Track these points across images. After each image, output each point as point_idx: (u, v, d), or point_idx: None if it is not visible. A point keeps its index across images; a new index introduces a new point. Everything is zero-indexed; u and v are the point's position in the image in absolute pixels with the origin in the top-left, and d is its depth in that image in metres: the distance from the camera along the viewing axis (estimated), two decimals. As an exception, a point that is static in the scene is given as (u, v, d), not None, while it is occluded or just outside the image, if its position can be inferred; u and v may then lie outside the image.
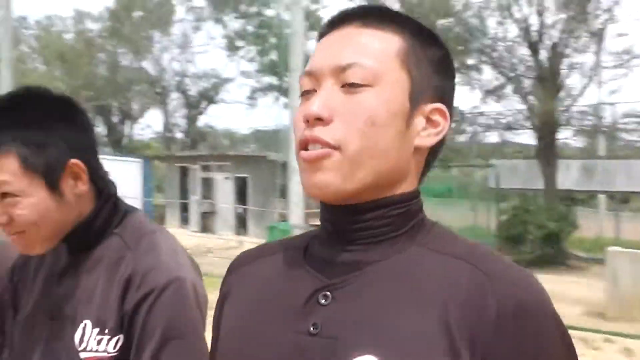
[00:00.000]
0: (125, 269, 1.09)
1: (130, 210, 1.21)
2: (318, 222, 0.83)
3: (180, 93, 28.59)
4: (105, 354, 1.05)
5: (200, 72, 28.12)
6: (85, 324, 1.07)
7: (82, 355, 1.05)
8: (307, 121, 0.74)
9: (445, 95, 0.82)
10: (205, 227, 18.30)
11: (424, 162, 0.82)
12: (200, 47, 27.97)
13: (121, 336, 1.06)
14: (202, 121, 30.13)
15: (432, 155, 0.83)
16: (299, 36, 10.05)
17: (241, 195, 17.71)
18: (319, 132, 0.74)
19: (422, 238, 0.78)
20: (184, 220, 17.66)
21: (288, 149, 10.00)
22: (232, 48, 26.08)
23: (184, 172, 19.90)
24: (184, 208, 19.27)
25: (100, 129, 30.43)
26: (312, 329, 0.74)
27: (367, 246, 0.78)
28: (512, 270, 0.74)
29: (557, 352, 0.74)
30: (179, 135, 29.90)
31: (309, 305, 0.76)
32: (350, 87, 0.75)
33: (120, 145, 29.27)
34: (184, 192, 19.82)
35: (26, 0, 36.53)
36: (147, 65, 28.03)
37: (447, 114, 0.80)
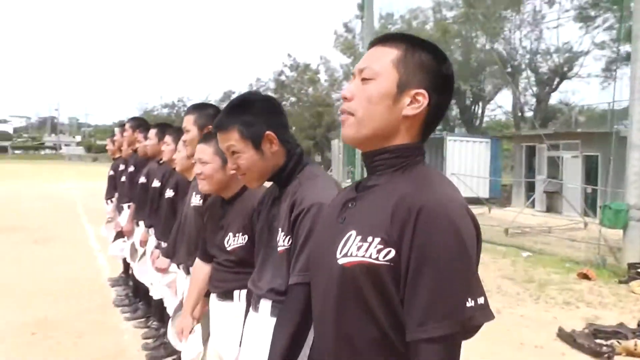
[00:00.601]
0: (295, 197, 1.89)
1: (308, 162, 2.05)
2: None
3: (530, 71, 28.21)
4: (283, 247, 1.89)
5: (552, 48, 27.24)
6: (279, 230, 1.94)
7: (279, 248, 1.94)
8: (344, 98, 1.36)
9: (430, 84, 1.32)
10: (551, 207, 18.13)
11: (418, 126, 1.34)
12: (552, 22, 26.86)
13: (290, 236, 1.87)
14: (553, 98, 29.21)
15: (428, 121, 1.35)
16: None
17: (590, 175, 17.03)
18: (346, 105, 1.35)
19: (408, 174, 1.31)
20: (530, 200, 17.80)
21: (632, 124, 9.55)
22: (585, 19, 24.63)
23: (531, 151, 19.91)
24: (530, 187, 19.37)
25: (453, 112, 32.18)
26: (341, 220, 1.35)
27: (377, 176, 1.35)
28: (430, 193, 1.22)
29: (444, 241, 1.16)
30: (528, 114, 29.58)
31: (344, 208, 1.38)
32: (363, 80, 1.34)
33: (473, 126, 30.44)
34: (530, 172, 19.90)
35: (391, -3, 40.16)
36: (499, 46, 28.32)
37: (427, 95, 1.30)
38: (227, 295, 2.51)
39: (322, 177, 1.99)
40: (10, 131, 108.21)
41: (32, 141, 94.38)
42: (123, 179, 6.01)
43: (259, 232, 2.10)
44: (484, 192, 19.89)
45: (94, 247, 9.39)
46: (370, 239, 1.23)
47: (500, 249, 10.37)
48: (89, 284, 6.86)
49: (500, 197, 20.56)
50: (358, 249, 1.24)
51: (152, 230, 4.55)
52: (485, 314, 1.19)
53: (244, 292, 2.33)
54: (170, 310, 3.70)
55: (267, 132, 1.99)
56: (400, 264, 1.20)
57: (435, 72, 1.34)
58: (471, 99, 31.32)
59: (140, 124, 5.86)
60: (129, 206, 5.71)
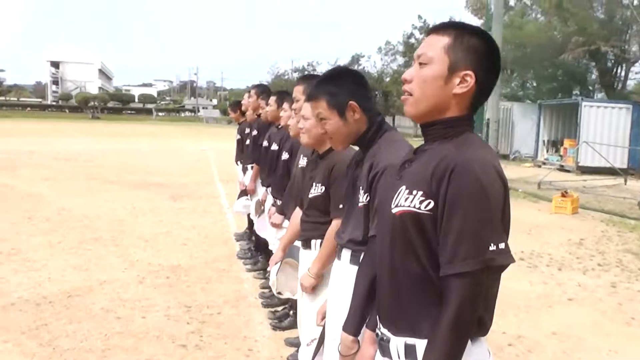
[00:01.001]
0: (373, 159, 2.12)
1: (389, 129, 2.27)
2: None
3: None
4: (362, 203, 2.14)
5: None
6: (360, 188, 2.18)
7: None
8: (404, 80, 1.59)
9: (478, 65, 1.51)
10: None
11: (466, 101, 1.54)
12: None
13: (368, 193, 2.10)
14: None
15: (476, 98, 1.54)
16: None
17: None
18: (406, 86, 1.58)
19: (454, 140, 1.51)
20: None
21: None
22: None
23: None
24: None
25: (593, 75, 30.16)
26: (398, 177, 1.59)
27: (430, 143, 1.57)
28: (465, 154, 1.43)
29: (470, 194, 1.38)
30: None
31: (402, 168, 1.61)
32: (420, 65, 1.56)
33: (613, 90, 28.35)
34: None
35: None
36: (648, 2, 25.96)
37: (474, 76, 1.50)
38: (307, 243, 2.84)
39: (399, 142, 2.21)
40: (155, 94, 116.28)
41: (173, 104, 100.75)
42: (248, 142, 6.49)
43: (346, 191, 2.35)
44: (621, 162, 18.66)
45: (224, 204, 10.14)
46: (415, 192, 1.49)
47: (629, 222, 9.84)
48: (217, 237, 7.52)
49: (638, 166, 19.14)
50: (405, 200, 1.50)
51: (270, 189, 4.94)
52: (506, 257, 1.41)
53: (319, 241, 2.65)
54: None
55: (351, 102, 2.24)
56: (437, 212, 1.44)
57: (481, 54, 1.53)
58: (613, 61, 29.12)
59: (263, 90, 6.27)
60: (252, 167, 6.18)
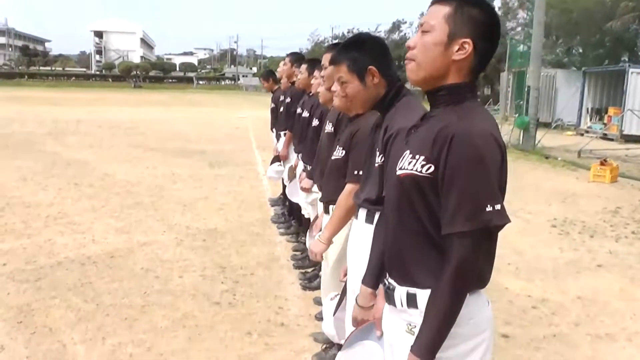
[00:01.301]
0: (389, 121, 2.21)
1: (407, 94, 2.36)
2: None
3: None
4: (377, 164, 2.25)
5: None
6: (377, 150, 2.30)
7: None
8: (408, 47, 1.68)
9: (476, 34, 1.60)
10: None
11: (467, 68, 1.63)
12: None
13: (383, 154, 2.17)
14: None
15: (475, 66, 1.63)
16: None
17: None
18: (409, 53, 1.68)
19: (457, 107, 1.60)
20: None
21: None
22: None
23: None
24: None
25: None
26: (405, 142, 1.71)
27: (434, 109, 1.68)
28: (465, 123, 1.53)
29: (468, 160, 1.48)
30: None
31: (409, 133, 1.72)
32: (422, 33, 1.65)
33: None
34: None
35: None
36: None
37: (472, 43, 1.59)
38: (327, 208, 2.97)
39: (416, 107, 2.28)
40: (195, 63, 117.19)
41: (214, 72, 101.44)
42: (282, 109, 6.61)
43: (366, 153, 2.45)
44: (670, 132, 18.12)
45: (260, 171, 10.35)
46: (417, 156, 1.60)
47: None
48: (252, 202, 7.74)
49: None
50: (409, 164, 1.62)
51: (300, 155, 5.07)
52: (501, 217, 1.52)
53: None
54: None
55: (370, 67, 2.34)
56: (437, 176, 1.55)
57: (480, 24, 1.62)
58: (665, 25, 28.00)
59: (298, 58, 6.35)
60: (285, 134, 6.31)
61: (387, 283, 1.78)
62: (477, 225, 1.49)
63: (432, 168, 1.56)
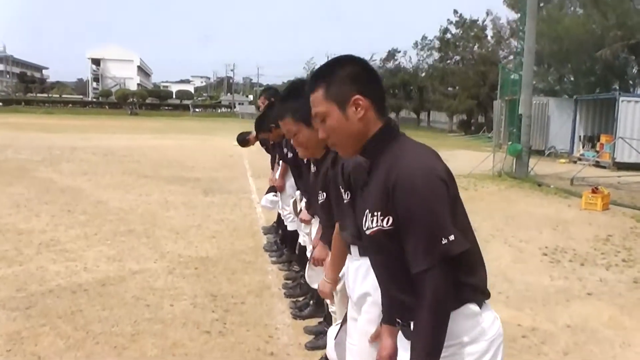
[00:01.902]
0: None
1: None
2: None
3: None
4: (345, 200, 2.34)
5: None
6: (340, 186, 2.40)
7: None
8: (323, 139, 1.81)
9: (358, 85, 1.70)
10: None
11: (373, 116, 1.73)
12: None
13: (349, 191, 2.30)
14: None
15: (377, 107, 1.73)
16: None
17: None
18: (328, 142, 1.82)
19: (389, 152, 1.69)
20: None
21: None
22: None
23: None
24: None
25: (634, 69, 29.44)
26: (362, 200, 1.80)
27: (373, 162, 1.74)
28: (407, 162, 1.62)
29: (414, 202, 1.57)
30: None
31: (361, 190, 1.82)
32: (321, 122, 1.76)
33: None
34: None
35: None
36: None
37: (361, 95, 1.69)
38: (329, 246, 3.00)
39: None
40: (192, 90, 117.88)
41: (210, 100, 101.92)
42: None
43: (332, 190, 2.62)
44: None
45: (254, 199, 10.38)
46: (375, 213, 1.69)
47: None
48: (245, 230, 7.76)
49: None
50: (372, 222, 1.71)
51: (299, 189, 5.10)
52: (458, 245, 1.59)
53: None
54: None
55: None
56: (398, 224, 1.64)
57: (354, 75, 1.74)
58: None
59: (272, 94, 6.39)
60: (279, 163, 6.35)
61: (399, 322, 1.83)
62: (435, 259, 1.58)
63: (391, 219, 1.65)
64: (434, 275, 1.58)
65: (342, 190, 2.34)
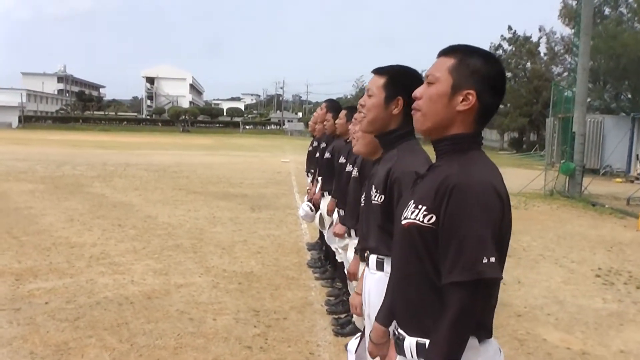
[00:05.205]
0: (391, 163, 2.32)
1: (411, 138, 2.40)
2: None
3: None
4: (374, 202, 2.33)
5: None
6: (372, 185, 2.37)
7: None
8: (414, 97, 1.75)
9: (480, 85, 1.64)
10: None
11: (471, 119, 1.67)
12: None
13: (384, 196, 2.30)
14: None
15: (479, 116, 1.68)
16: None
17: None
18: (415, 103, 1.76)
19: (461, 157, 1.64)
20: None
21: None
22: None
23: None
24: None
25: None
26: (411, 192, 1.76)
27: (439, 159, 1.72)
28: (473, 172, 1.58)
29: (468, 213, 1.52)
30: None
31: (415, 182, 1.79)
32: (428, 84, 1.72)
33: None
34: None
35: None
36: None
37: (475, 95, 1.63)
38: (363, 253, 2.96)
39: (418, 153, 2.39)
40: (242, 108, 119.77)
41: (260, 117, 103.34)
42: (317, 154, 6.70)
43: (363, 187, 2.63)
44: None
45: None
46: (420, 206, 1.65)
47: None
48: (290, 246, 7.78)
49: None
50: (412, 214, 1.66)
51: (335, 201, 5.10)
52: (495, 270, 1.53)
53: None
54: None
55: (399, 97, 2.41)
56: (438, 226, 1.59)
57: (484, 75, 1.66)
58: None
59: (332, 105, 6.45)
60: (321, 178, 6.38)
61: (396, 333, 1.79)
62: (473, 276, 1.52)
63: (434, 218, 1.60)
64: (465, 291, 1.53)
65: (373, 189, 2.35)
